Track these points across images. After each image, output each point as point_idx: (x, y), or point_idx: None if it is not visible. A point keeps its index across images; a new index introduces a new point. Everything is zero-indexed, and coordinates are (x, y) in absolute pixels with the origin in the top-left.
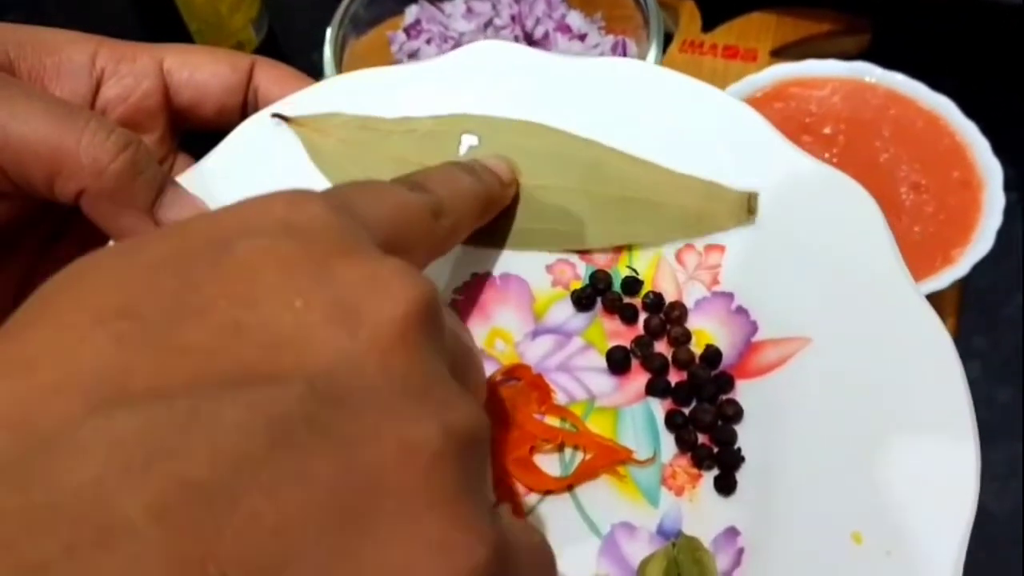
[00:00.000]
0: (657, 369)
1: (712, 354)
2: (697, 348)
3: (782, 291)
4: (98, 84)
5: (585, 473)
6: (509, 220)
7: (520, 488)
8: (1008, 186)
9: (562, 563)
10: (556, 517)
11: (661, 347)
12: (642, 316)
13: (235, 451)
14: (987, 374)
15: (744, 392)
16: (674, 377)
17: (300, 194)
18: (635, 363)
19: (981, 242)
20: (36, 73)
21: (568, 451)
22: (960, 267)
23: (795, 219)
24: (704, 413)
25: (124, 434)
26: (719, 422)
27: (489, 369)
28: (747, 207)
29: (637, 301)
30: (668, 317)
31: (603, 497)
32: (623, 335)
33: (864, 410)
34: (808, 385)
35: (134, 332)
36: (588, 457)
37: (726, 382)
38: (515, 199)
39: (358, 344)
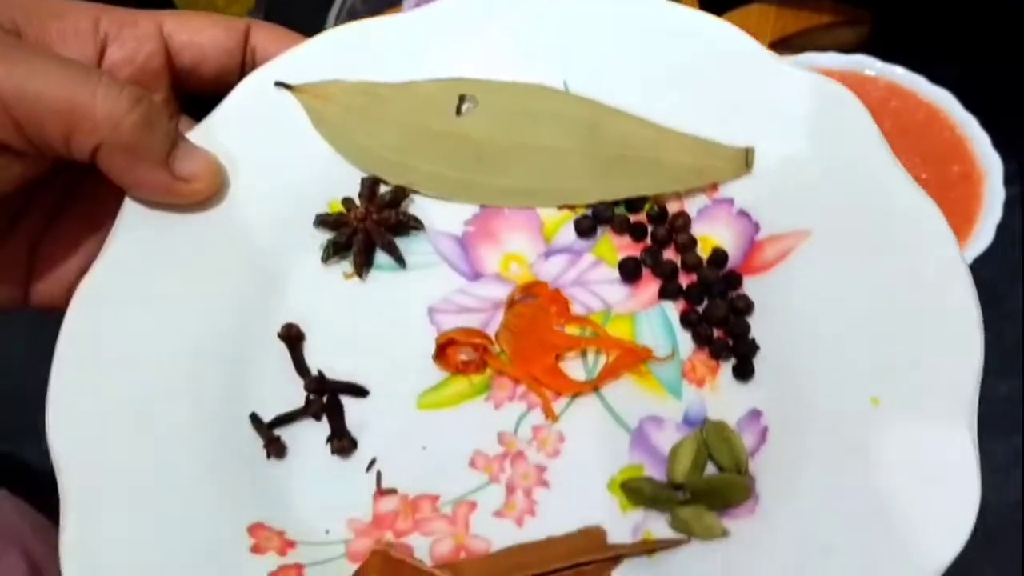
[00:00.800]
0: (668, 274)
1: (719, 256)
2: (704, 253)
3: (780, 191)
4: (102, 48)
5: (609, 374)
6: (504, 179)
7: (550, 394)
8: (1008, 180)
9: (595, 458)
10: (586, 417)
11: (669, 255)
12: (648, 229)
13: None
14: (988, 367)
15: (752, 287)
16: (684, 281)
17: None
18: (646, 273)
19: (981, 236)
20: (42, 39)
21: (591, 357)
22: None
23: (787, 125)
24: (717, 308)
25: None
26: (732, 316)
27: (506, 290)
28: (745, 161)
29: (642, 217)
30: (673, 226)
31: (628, 395)
32: (632, 248)
33: (867, 287)
34: (812, 271)
35: None
36: (611, 359)
37: (735, 279)
38: (512, 160)
39: None
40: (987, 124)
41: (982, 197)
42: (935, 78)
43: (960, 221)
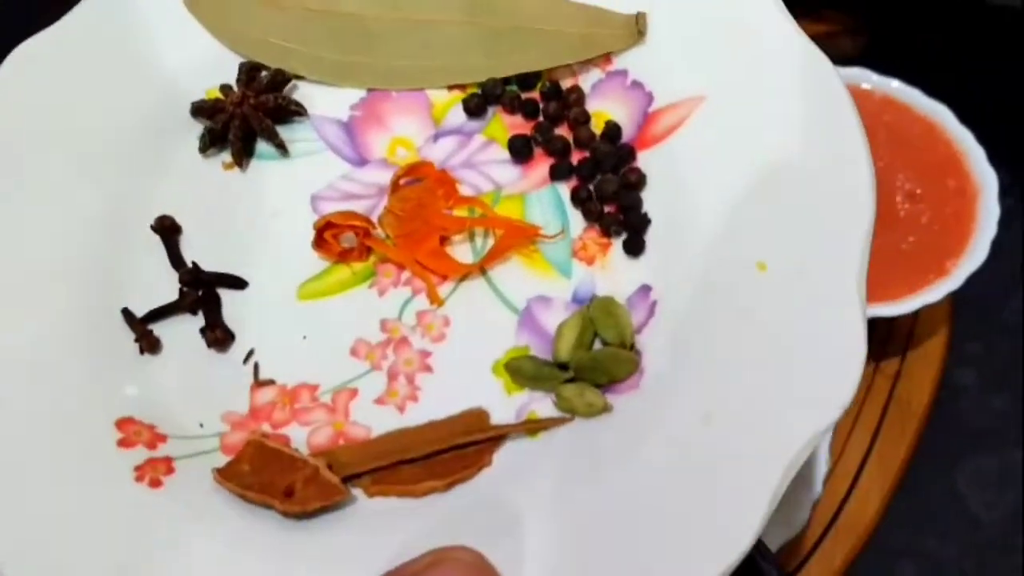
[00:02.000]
0: (559, 151)
1: (612, 129)
2: (597, 128)
3: (673, 58)
4: None
5: (496, 254)
6: (391, 59)
7: (436, 279)
8: (1004, 192)
9: (481, 341)
10: (473, 301)
11: (563, 132)
12: (541, 106)
13: None
14: (982, 381)
15: (646, 160)
16: (577, 158)
17: None
18: (538, 152)
19: (976, 253)
20: None
21: (479, 240)
22: (954, 279)
23: None
24: (608, 183)
25: None
26: (623, 190)
27: (391, 175)
28: (636, 28)
29: (535, 94)
30: (566, 102)
31: (517, 276)
32: (524, 127)
33: (757, 151)
34: (704, 139)
35: None
36: (498, 238)
37: (627, 153)
38: (399, 39)
39: None
40: (983, 134)
41: (977, 213)
42: (932, 87)
43: (955, 237)
